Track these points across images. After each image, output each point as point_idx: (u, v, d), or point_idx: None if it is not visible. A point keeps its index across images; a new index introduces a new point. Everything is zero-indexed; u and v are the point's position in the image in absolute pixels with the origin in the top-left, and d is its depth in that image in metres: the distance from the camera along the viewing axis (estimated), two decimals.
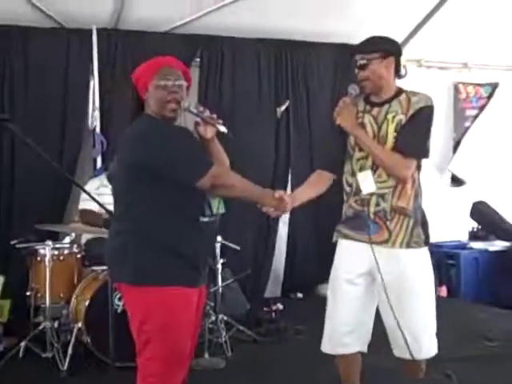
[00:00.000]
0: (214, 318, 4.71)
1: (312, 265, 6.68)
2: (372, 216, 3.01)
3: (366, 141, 3.02)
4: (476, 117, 7.61)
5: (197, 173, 2.54)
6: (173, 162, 2.54)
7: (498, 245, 7.03)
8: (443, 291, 6.70)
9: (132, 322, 2.62)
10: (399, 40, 6.58)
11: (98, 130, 5.77)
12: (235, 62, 6.25)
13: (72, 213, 5.78)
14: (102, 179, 5.30)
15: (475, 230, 7.36)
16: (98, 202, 3.43)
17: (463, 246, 7.03)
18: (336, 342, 3.12)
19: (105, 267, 4.69)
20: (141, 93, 2.67)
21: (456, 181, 7.51)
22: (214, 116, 2.71)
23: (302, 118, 6.54)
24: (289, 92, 6.48)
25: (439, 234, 6.94)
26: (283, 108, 5.48)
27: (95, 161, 5.81)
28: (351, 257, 3.08)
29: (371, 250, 2.96)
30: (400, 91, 3.08)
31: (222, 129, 2.72)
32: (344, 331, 3.10)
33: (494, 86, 7.61)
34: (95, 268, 4.69)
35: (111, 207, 5.12)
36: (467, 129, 7.59)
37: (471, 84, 7.50)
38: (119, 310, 4.37)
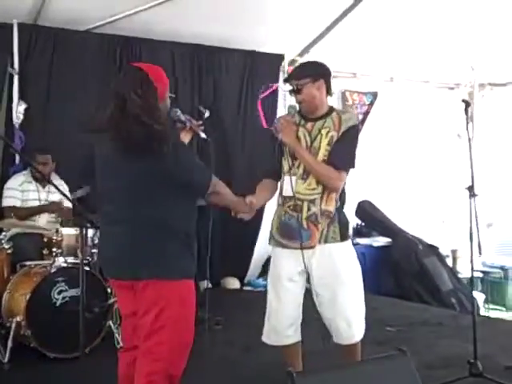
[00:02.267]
0: None
1: (217, 259, 7.03)
2: (304, 221, 3.43)
3: (305, 156, 3.42)
4: (362, 122, 8.31)
5: (208, 180, 2.81)
6: (193, 171, 2.78)
7: (381, 241, 7.78)
8: None
9: (147, 312, 2.76)
10: (300, 49, 7.20)
11: (16, 125, 5.78)
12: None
13: None
14: (26, 175, 5.40)
15: (359, 226, 8.06)
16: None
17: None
18: (281, 334, 3.56)
19: (36, 262, 4.84)
20: (160, 100, 2.73)
21: None
22: (200, 123, 2.97)
23: (213, 118, 6.86)
24: (201, 94, 6.82)
25: None
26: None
27: (13, 156, 5.81)
28: (289, 259, 3.49)
29: (302, 256, 3.37)
30: (331, 109, 3.54)
31: (203, 135, 2.98)
32: (287, 324, 3.55)
33: (375, 95, 8.36)
34: (27, 263, 4.79)
35: (34, 202, 5.28)
36: None
37: (355, 92, 8.19)
38: (57, 304, 4.54)
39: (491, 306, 7.51)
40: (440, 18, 6.65)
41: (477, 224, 3.85)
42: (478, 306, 7.05)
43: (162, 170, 2.68)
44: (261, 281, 7.11)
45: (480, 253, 3.73)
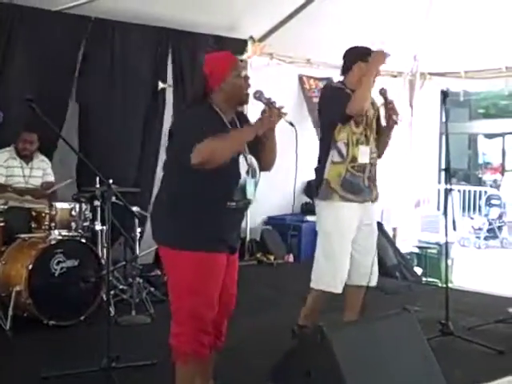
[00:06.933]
0: (131, 280, 5.24)
1: None
2: (366, 180, 4.05)
3: None
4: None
5: (188, 150, 2.81)
6: (180, 144, 2.94)
7: None
8: (291, 258, 7.78)
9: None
10: (259, 36, 7.53)
11: None
12: (122, 45, 6.61)
13: None
14: (10, 151, 5.51)
15: (308, 204, 8.48)
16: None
17: (302, 220, 8.12)
18: (343, 283, 4.10)
19: (29, 235, 4.99)
20: (214, 83, 2.98)
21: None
22: (282, 106, 3.01)
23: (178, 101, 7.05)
24: (167, 76, 7.00)
25: (279, 208, 8.03)
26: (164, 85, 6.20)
27: None
28: (352, 218, 4.04)
29: (362, 208, 4.07)
30: None
31: (287, 119, 3.01)
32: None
33: (329, 81, 8.76)
34: (22, 236, 4.93)
35: (19, 179, 5.41)
36: None
37: (311, 78, 8.59)
38: (56, 274, 4.74)
39: (429, 279, 8.10)
40: (388, 11, 7.19)
41: (452, 204, 4.34)
42: (421, 277, 7.67)
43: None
44: None
45: (454, 229, 4.26)
